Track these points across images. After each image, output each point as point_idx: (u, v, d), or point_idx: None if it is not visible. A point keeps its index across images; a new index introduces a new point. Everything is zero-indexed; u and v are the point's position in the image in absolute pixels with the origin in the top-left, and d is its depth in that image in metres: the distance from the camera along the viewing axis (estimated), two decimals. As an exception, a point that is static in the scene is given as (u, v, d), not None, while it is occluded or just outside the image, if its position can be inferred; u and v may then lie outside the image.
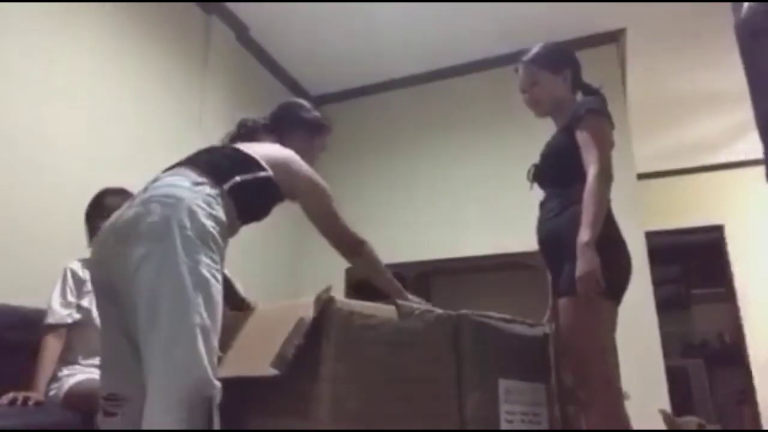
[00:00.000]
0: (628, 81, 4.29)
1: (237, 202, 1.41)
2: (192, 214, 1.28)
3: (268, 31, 4.05)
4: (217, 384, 1.23)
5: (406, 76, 4.55)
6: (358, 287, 3.98)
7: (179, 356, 1.18)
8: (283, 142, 1.69)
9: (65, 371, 2.11)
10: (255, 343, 1.40)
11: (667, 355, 3.37)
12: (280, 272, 4.15)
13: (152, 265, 1.23)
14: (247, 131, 1.74)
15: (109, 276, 1.33)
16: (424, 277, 3.96)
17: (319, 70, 4.53)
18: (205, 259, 1.26)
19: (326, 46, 4.23)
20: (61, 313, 2.13)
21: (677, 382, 3.23)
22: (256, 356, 1.33)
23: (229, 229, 1.41)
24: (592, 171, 1.58)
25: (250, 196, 1.45)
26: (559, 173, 1.75)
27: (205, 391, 1.19)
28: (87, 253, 2.23)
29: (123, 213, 1.35)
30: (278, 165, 1.52)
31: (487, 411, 1.43)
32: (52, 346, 2.10)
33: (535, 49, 1.90)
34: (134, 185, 1.44)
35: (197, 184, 1.35)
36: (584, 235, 1.50)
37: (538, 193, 1.83)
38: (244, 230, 1.51)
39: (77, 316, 2.16)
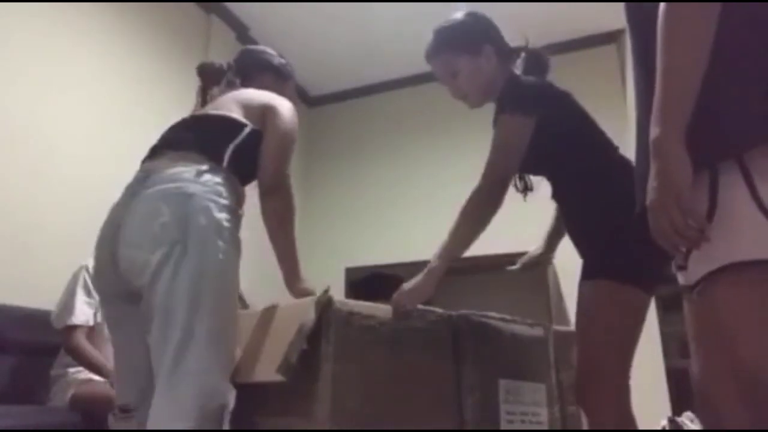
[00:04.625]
0: (628, 81, 4.29)
1: (237, 171, 1.38)
2: (205, 211, 1.22)
3: (268, 31, 4.05)
4: (231, 389, 1.20)
5: (406, 76, 4.56)
6: (357, 287, 3.97)
7: (191, 364, 1.13)
8: (253, 86, 1.60)
9: (71, 370, 2.10)
10: (258, 346, 1.39)
11: (667, 355, 3.37)
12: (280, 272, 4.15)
13: (170, 269, 1.17)
14: (210, 77, 1.65)
15: (125, 280, 1.26)
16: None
17: (318, 70, 4.53)
18: (221, 257, 1.22)
19: (326, 46, 4.23)
20: (87, 313, 2.09)
21: (677, 382, 3.22)
22: (261, 360, 1.33)
23: (238, 206, 1.37)
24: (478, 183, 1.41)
25: (247, 159, 1.41)
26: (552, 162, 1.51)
27: (217, 399, 1.15)
28: (89, 256, 2.23)
29: (124, 212, 1.27)
30: (254, 110, 1.46)
31: (487, 411, 1.42)
32: (87, 344, 2.06)
33: (439, 33, 1.58)
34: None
35: (201, 173, 1.28)
36: (435, 263, 1.35)
37: (536, 194, 1.80)
38: (243, 230, 1.50)
39: (98, 320, 2.13)
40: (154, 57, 3.32)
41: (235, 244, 1.28)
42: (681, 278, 0.89)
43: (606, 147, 1.48)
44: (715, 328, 0.83)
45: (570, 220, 1.54)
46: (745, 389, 0.78)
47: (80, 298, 2.09)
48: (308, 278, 1.51)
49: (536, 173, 1.61)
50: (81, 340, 2.05)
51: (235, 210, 1.33)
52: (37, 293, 2.27)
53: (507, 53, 1.57)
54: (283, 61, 1.74)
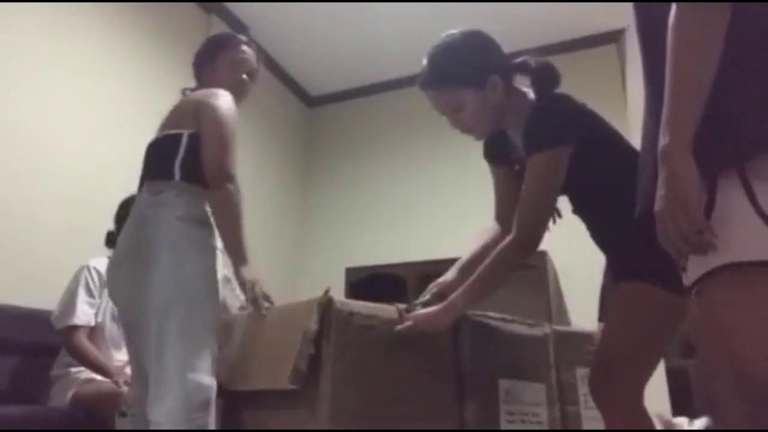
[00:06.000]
0: (628, 81, 4.28)
1: (195, 179, 1.42)
2: (163, 226, 1.35)
3: (268, 31, 4.05)
4: (212, 384, 1.27)
5: (407, 76, 4.55)
6: (357, 287, 3.97)
7: (170, 365, 1.24)
8: (212, 76, 1.66)
9: (73, 370, 2.10)
10: (262, 350, 1.40)
11: (667, 355, 3.37)
12: (280, 272, 4.14)
13: (139, 282, 1.32)
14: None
15: (121, 295, 1.44)
16: (425, 278, 3.96)
17: (318, 70, 4.53)
18: (187, 263, 1.32)
19: (326, 46, 4.22)
20: (89, 313, 2.10)
21: (677, 382, 3.22)
22: (266, 366, 1.35)
23: (202, 213, 1.44)
24: (510, 236, 1.30)
25: (195, 166, 1.42)
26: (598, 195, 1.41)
27: (200, 395, 1.24)
28: (90, 256, 2.24)
29: (120, 237, 1.48)
30: (188, 113, 1.51)
31: (487, 411, 1.42)
32: (89, 344, 2.07)
33: (436, 61, 1.38)
34: (136, 187, 1.46)
35: (158, 193, 1.40)
36: (458, 300, 1.31)
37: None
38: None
39: (99, 320, 2.14)
40: (154, 57, 3.32)
41: (202, 248, 1.37)
42: (684, 279, 0.90)
43: (623, 149, 1.41)
44: (711, 328, 0.84)
45: (597, 229, 1.45)
46: (742, 387, 0.79)
47: (82, 299, 2.09)
48: (294, 276, 1.56)
49: (562, 194, 1.47)
50: (83, 340, 2.05)
51: (198, 216, 1.40)
52: (37, 293, 2.27)
53: (512, 72, 1.44)
54: (218, 34, 1.78)
